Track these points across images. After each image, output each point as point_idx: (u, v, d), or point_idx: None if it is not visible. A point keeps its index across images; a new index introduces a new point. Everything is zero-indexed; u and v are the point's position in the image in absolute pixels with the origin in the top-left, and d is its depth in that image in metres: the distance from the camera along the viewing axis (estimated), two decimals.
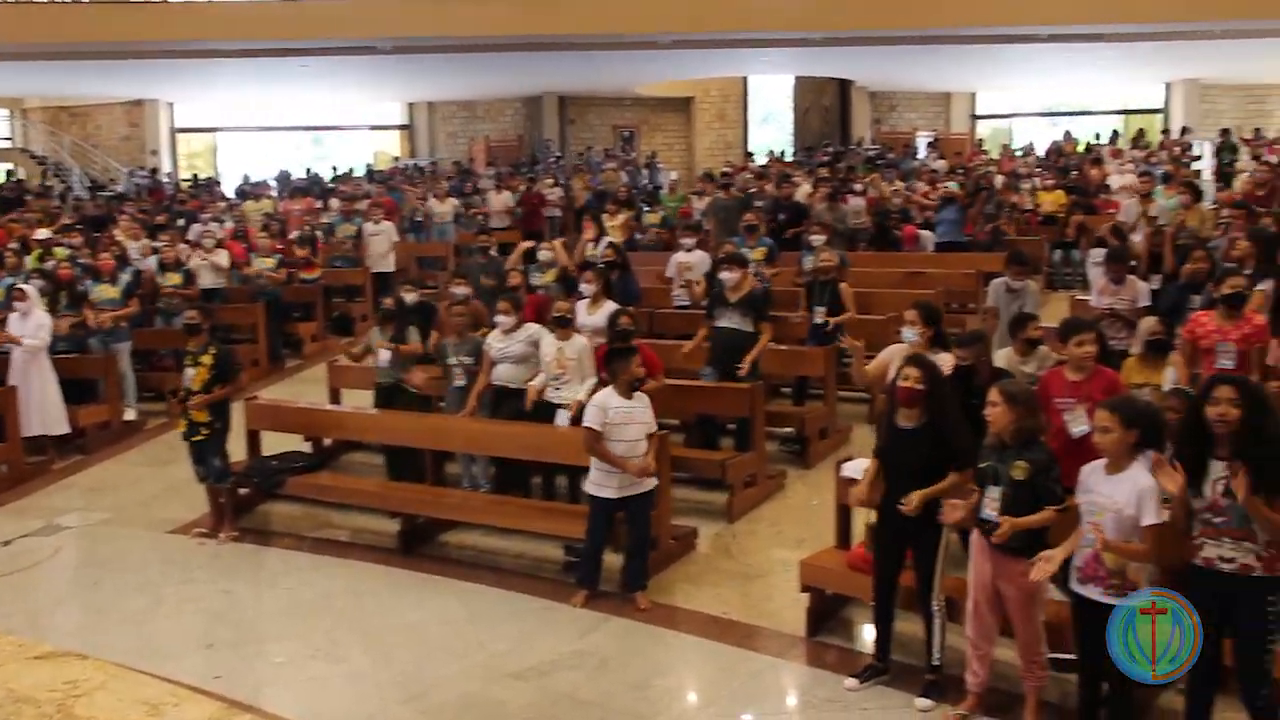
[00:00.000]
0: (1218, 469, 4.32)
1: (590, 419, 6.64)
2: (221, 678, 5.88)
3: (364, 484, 8.65)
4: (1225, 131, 20.32)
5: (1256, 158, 15.93)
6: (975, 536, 5.07)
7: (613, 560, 6.85)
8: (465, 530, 8.00)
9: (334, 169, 22.71)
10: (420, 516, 7.95)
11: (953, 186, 14.43)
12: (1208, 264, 7.82)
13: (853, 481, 5.84)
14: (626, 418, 6.59)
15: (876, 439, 5.70)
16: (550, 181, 19.44)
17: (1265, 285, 7.64)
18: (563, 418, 7.66)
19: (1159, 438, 4.61)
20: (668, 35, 20.02)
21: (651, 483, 6.67)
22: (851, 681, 5.53)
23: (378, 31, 19.52)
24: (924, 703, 5.31)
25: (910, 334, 6.61)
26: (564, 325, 7.94)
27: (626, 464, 6.51)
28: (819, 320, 9.47)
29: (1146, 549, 4.45)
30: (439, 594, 7.01)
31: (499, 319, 8.19)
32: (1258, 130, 21.38)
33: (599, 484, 6.65)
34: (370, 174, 22.33)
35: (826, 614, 6.25)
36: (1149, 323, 6.66)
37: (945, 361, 6.27)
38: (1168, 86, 26.71)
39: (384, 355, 8.60)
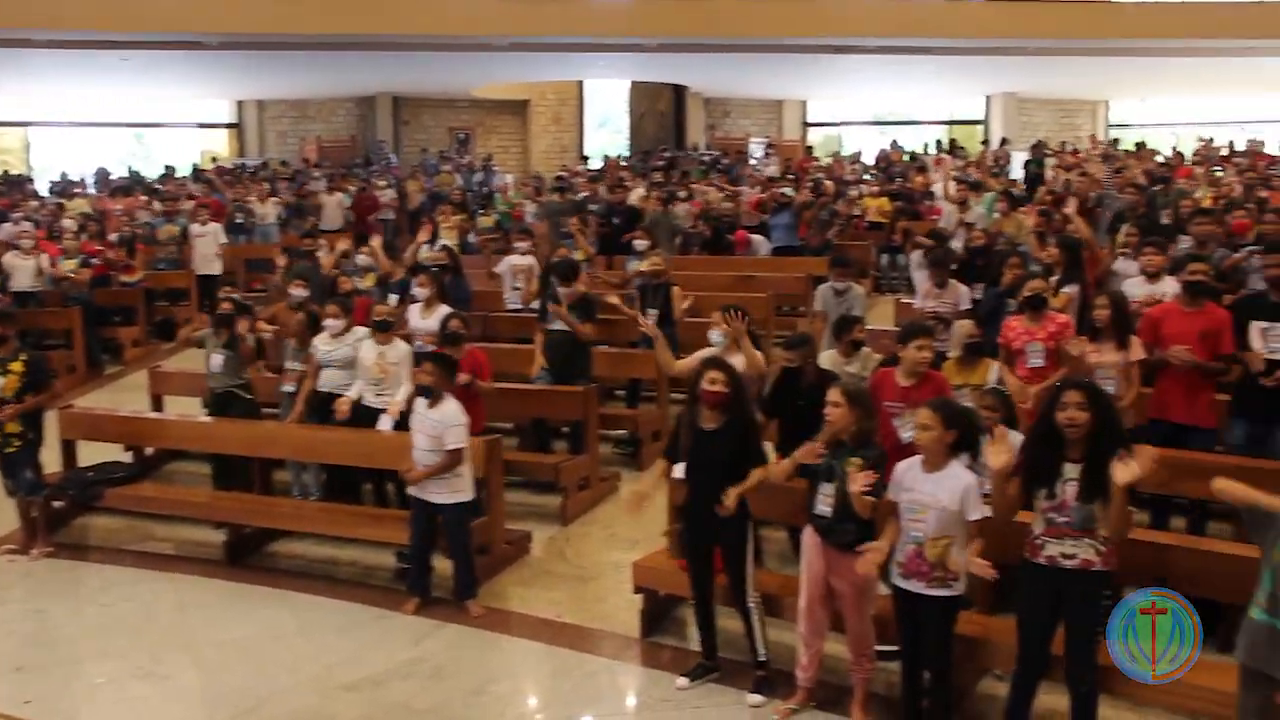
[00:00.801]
0: (1069, 471, 4.49)
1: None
2: (33, 702, 5.63)
3: (189, 494, 8.39)
4: (1038, 144, 21.30)
5: (1066, 168, 16.74)
6: (808, 534, 5.19)
7: (446, 566, 6.79)
8: (295, 539, 7.84)
9: (167, 167, 21.84)
10: (248, 526, 7.75)
11: (789, 192, 14.73)
12: (1022, 270, 8.17)
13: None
14: (419, 425, 6.58)
15: (670, 441, 5.77)
16: (384, 183, 19.14)
17: (1071, 289, 8.05)
18: (385, 423, 7.56)
19: (975, 440, 4.81)
20: (503, 38, 19.95)
21: (464, 495, 6.62)
22: (683, 681, 5.61)
23: (203, 26, 18.88)
24: (754, 698, 5.42)
25: (717, 336, 6.75)
26: (384, 330, 7.85)
27: (406, 474, 6.56)
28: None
29: (981, 542, 4.65)
30: (268, 606, 6.85)
31: (328, 323, 8.04)
32: (1063, 143, 22.46)
33: (416, 487, 6.61)
34: (196, 174, 21.59)
35: (660, 614, 6.32)
36: (966, 326, 6.93)
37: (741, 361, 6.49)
38: (988, 99, 27.83)
39: (215, 360, 8.34)
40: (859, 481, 4.79)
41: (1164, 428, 6.36)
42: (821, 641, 5.27)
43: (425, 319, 8.62)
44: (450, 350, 7.49)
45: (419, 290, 8.91)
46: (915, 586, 4.78)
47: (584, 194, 16.32)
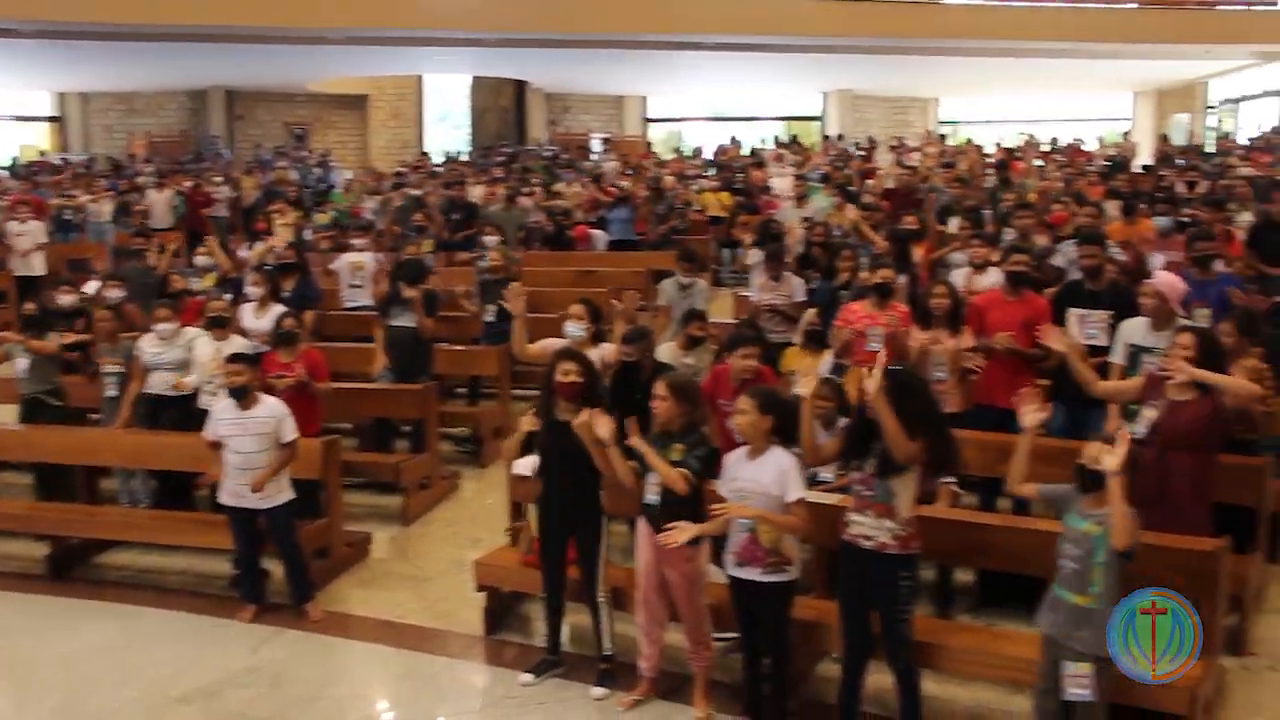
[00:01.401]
0: (880, 448, 4.62)
1: (205, 429, 6.49)
2: None
3: (6, 506, 7.99)
4: (870, 141, 21.92)
5: (899, 164, 17.26)
6: (641, 525, 5.24)
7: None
8: (124, 550, 7.55)
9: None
10: (73, 538, 7.44)
11: (625, 186, 14.82)
12: (854, 262, 8.38)
13: (525, 479, 5.91)
14: (239, 429, 6.37)
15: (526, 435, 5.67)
16: (218, 179, 18.55)
17: (901, 279, 8.31)
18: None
19: (793, 426, 4.91)
20: (339, 30, 19.56)
21: (285, 495, 6.45)
22: (527, 677, 5.60)
23: (16, 12, 17.98)
24: (599, 691, 5.44)
25: (575, 329, 6.76)
26: (220, 325, 7.65)
27: (252, 484, 6.32)
28: (490, 319, 9.54)
29: (797, 520, 4.74)
30: (95, 619, 6.58)
31: (158, 325, 7.76)
32: (900, 139, 23.12)
33: (228, 493, 6.42)
34: (13, 169, 20.58)
35: (503, 612, 6.31)
36: (809, 315, 7.09)
37: (608, 351, 6.60)
38: (824, 96, 28.47)
39: (21, 364, 7.97)
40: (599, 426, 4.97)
41: (990, 412, 6.61)
42: (662, 631, 5.32)
43: (259, 319, 8.40)
44: (284, 350, 7.33)
45: (252, 289, 8.68)
46: (750, 574, 4.86)
47: (423, 190, 16.11)
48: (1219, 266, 7.81)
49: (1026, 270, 7.06)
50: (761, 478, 4.77)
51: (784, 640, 4.98)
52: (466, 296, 10.48)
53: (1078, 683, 4.34)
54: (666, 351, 7.04)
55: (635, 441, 5.00)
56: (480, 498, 8.24)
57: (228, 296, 9.05)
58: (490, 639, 6.16)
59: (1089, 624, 4.33)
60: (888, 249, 8.56)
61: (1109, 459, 4.29)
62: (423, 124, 28.35)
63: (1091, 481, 4.35)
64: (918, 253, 9.11)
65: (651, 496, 5.08)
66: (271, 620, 6.41)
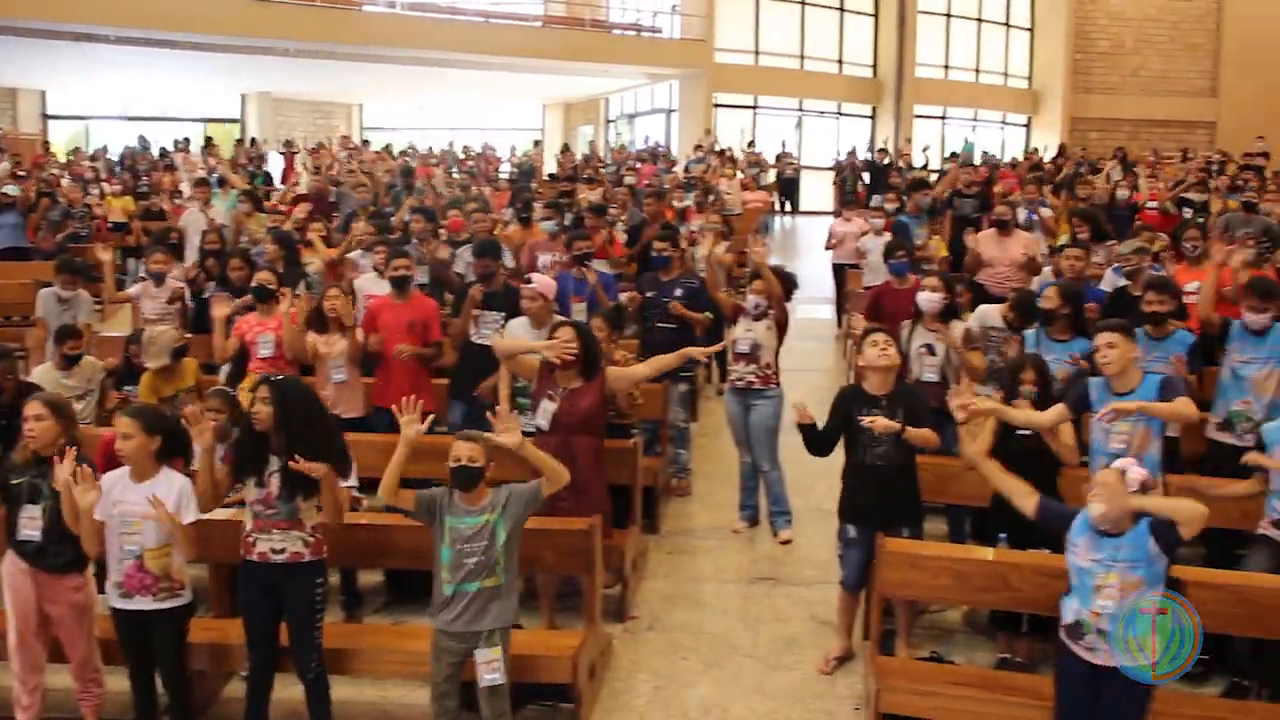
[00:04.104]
0: (275, 462, 4.56)
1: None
2: None
3: None
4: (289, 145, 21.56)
5: (312, 168, 17.16)
6: (9, 563, 4.77)
7: None
8: None
9: None
10: None
11: (12, 190, 13.34)
12: (247, 270, 8.13)
13: None
14: None
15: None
16: None
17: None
18: None
19: (180, 443, 4.74)
20: None
21: None
22: None
23: None
24: None
25: None
26: None
27: None
28: None
29: (189, 543, 4.56)
30: None
31: None
32: (320, 143, 22.97)
33: None
34: None
35: None
36: (169, 334, 6.64)
37: None
38: (243, 98, 27.61)
39: None
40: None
41: (388, 415, 6.71)
42: (41, 676, 4.86)
43: None
44: None
45: None
46: (141, 604, 4.62)
47: None
48: (599, 266, 8.50)
49: (410, 273, 7.29)
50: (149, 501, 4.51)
51: (183, 666, 4.80)
52: None
53: (490, 668, 4.52)
54: (43, 373, 6.46)
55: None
56: None
57: None
58: None
59: (497, 604, 4.52)
60: (278, 253, 8.41)
61: (509, 436, 4.62)
62: None
63: (469, 477, 4.51)
64: (327, 255, 9.08)
65: (30, 532, 4.67)
66: None
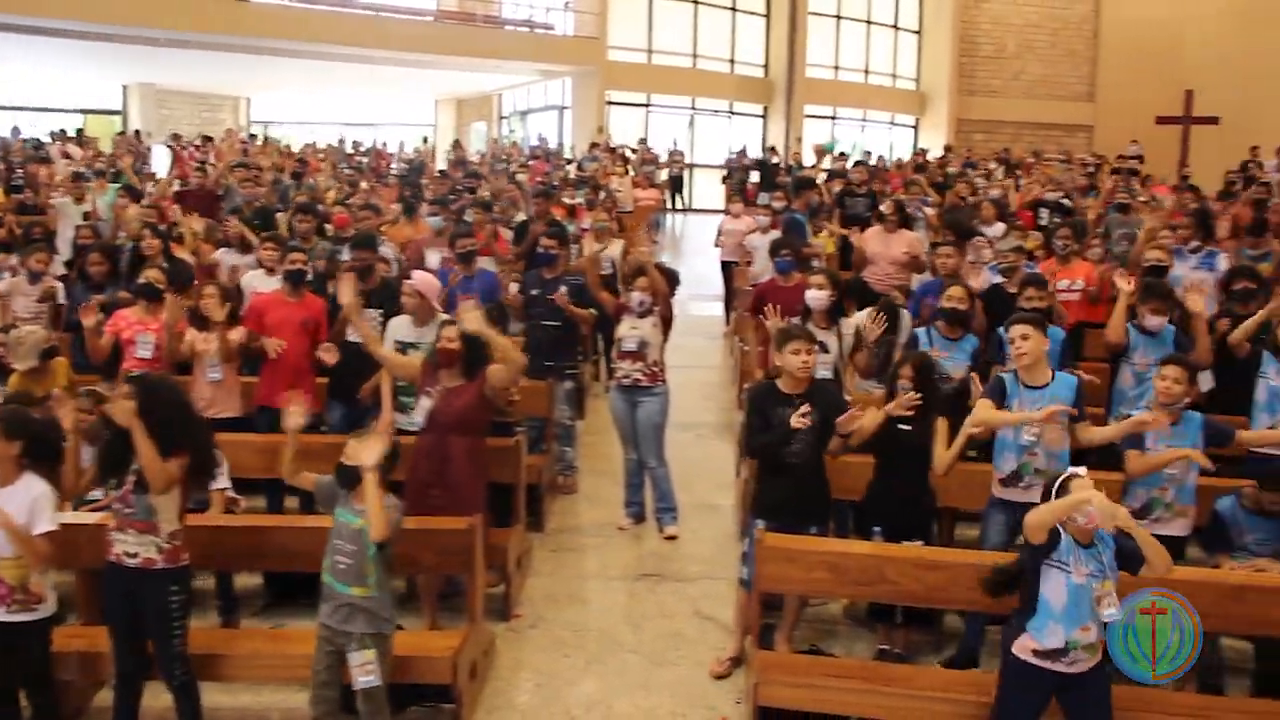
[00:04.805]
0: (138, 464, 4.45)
1: None
2: None
3: None
4: (176, 138, 21.01)
5: (198, 162, 16.72)
6: None
7: None
8: None
9: None
10: None
11: None
12: (108, 266, 7.93)
13: None
14: None
15: None
16: None
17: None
18: None
19: (46, 447, 4.58)
20: None
21: None
22: None
23: None
24: None
25: None
26: None
27: None
28: None
29: (43, 553, 4.37)
30: None
31: None
32: (207, 137, 22.44)
33: None
34: None
35: None
36: (38, 334, 6.48)
37: None
38: (125, 89, 26.84)
39: None
40: None
41: (270, 414, 6.59)
42: None
43: None
44: None
45: None
46: None
47: None
48: (482, 263, 8.45)
49: (304, 269, 7.14)
50: (10, 506, 4.34)
51: (48, 679, 4.64)
52: None
53: (364, 670, 4.49)
54: None
55: None
56: None
57: None
58: None
59: (366, 613, 4.49)
60: (159, 248, 8.21)
61: (365, 454, 4.47)
62: None
63: (351, 477, 4.50)
64: (204, 252, 8.90)
65: None
66: None
